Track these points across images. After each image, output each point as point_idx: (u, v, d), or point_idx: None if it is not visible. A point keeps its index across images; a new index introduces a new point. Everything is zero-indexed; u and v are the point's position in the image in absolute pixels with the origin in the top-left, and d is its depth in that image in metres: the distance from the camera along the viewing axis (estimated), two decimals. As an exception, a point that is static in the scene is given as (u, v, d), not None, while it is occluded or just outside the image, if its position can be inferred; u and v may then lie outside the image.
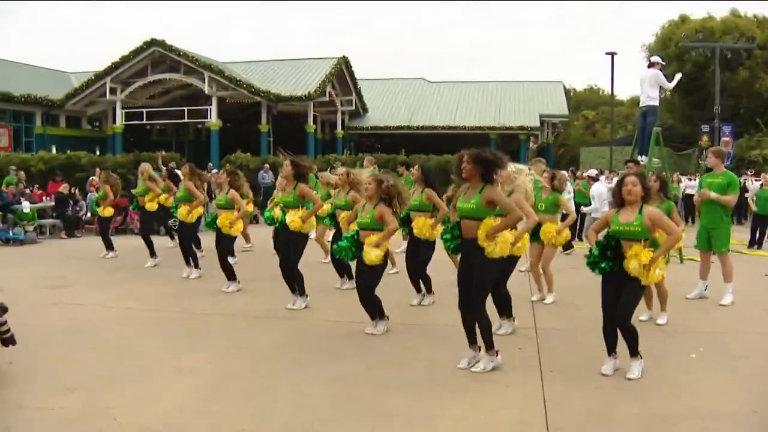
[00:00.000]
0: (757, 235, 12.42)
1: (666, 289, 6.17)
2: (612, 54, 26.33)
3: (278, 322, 6.34)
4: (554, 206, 7.03)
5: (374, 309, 5.81)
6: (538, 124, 30.89)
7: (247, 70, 29.28)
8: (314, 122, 29.70)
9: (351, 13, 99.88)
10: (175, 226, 10.79)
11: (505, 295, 5.75)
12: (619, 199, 4.70)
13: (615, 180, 6.33)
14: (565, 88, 35.89)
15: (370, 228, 5.62)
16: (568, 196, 9.50)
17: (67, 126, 27.99)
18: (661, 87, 11.36)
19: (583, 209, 11.83)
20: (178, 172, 10.58)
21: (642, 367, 4.66)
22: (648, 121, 11.15)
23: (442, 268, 7.32)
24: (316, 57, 30.48)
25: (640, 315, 5.94)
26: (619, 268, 4.57)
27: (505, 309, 5.81)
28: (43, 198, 14.83)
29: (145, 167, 10.16)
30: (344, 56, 29.69)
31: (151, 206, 9.89)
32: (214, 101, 26.06)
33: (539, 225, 6.58)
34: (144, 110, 27.51)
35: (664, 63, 11.88)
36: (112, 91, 26.21)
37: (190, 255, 8.74)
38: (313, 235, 8.52)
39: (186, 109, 27.10)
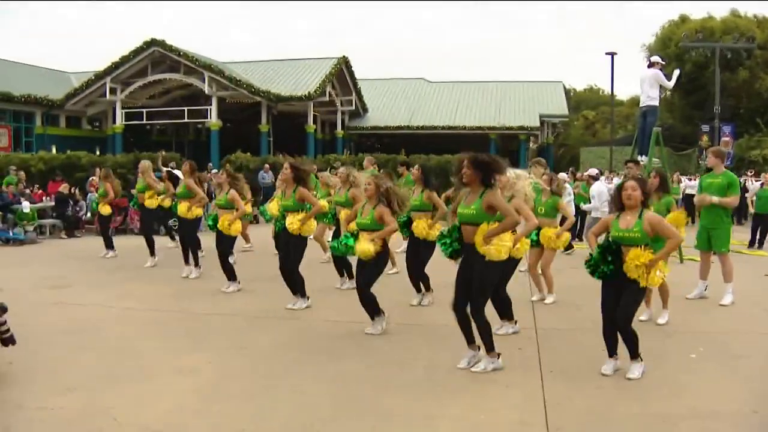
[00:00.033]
0: (758, 235, 12.44)
1: (667, 287, 6.17)
2: (612, 54, 26.35)
3: (278, 322, 6.35)
4: (553, 210, 7.06)
5: (373, 308, 5.81)
6: (538, 124, 30.86)
7: (247, 70, 29.26)
8: (314, 122, 29.68)
9: (351, 13, 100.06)
10: (175, 226, 10.80)
11: (504, 298, 5.76)
12: (619, 204, 4.70)
13: (615, 180, 6.38)
14: (565, 88, 35.88)
15: (370, 229, 5.67)
16: (567, 199, 9.51)
17: (67, 126, 27.97)
18: (661, 87, 11.36)
19: (583, 207, 11.83)
20: (178, 172, 10.60)
21: (643, 368, 4.66)
22: (648, 121, 11.15)
23: (442, 268, 7.31)
24: (316, 57, 30.46)
25: (640, 315, 5.93)
26: (619, 272, 4.57)
27: (506, 312, 5.82)
28: (43, 198, 14.83)
29: (146, 165, 10.17)
30: (344, 56, 29.69)
31: (151, 203, 9.89)
32: (214, 101, 26.05)
33: (539, 229, 6.62)
34: (144, 110, 27.49)
35: (664, 63, 11.88)
36: (112, 91, 26.19)
37: (191, 252, 8.74)
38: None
39: (186, 109, 27.09)
